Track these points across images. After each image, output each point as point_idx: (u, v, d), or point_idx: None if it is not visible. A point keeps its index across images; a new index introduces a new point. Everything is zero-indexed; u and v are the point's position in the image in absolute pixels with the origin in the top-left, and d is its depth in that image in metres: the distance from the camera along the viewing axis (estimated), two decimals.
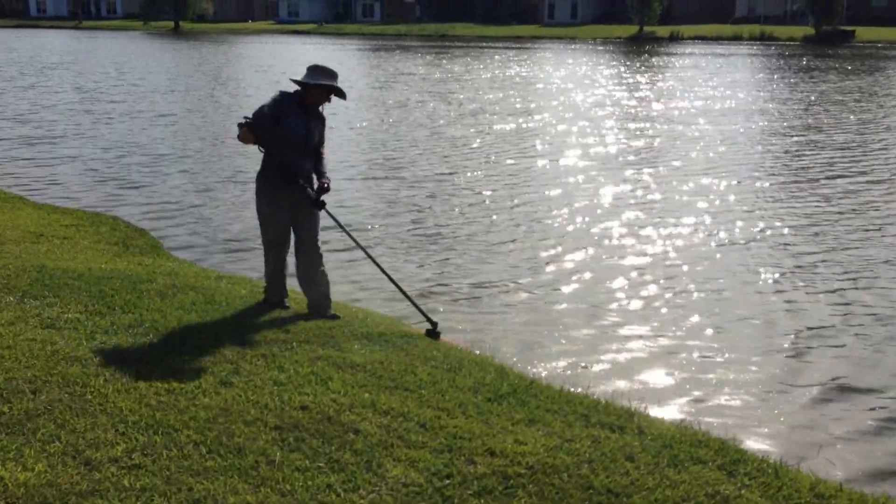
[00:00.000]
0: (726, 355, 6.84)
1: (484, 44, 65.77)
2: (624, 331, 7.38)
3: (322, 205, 5.87)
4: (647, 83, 32.31)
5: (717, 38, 69.19)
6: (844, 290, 8.44)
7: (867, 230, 10.75)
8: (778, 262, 9.38)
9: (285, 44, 63.37)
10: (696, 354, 6.87)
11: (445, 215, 11.37)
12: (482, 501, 3.51)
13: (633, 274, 8.97)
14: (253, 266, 8.79)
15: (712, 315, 7.76)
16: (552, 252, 9.71)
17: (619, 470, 3.89)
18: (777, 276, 8.88)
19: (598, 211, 11.75)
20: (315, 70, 5.80)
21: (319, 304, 6.09)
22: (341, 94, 5.84)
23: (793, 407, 5.99)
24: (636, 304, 8.05)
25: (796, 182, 13.91)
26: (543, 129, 19.86)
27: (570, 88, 30.05)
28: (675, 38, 69.93)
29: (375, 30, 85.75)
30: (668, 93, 28.38)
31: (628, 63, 44.73)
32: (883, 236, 10.48)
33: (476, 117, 21.68)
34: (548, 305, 7.99)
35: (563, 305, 8.00)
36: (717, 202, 12.27)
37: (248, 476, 3.50)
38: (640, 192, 13.03)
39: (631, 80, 33.45)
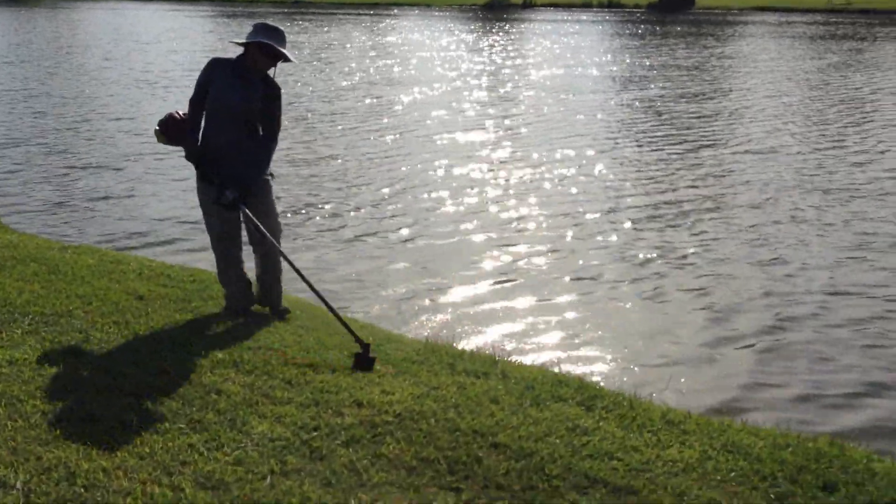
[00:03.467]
0: (582, 303, 7.11)
1: (344, 11, 64.74)
2: (490, 287, 7.53)
3: (232, 206, 4.74)
4: (525, 50, 32.74)
5: (569, 6, 70.97)
6: (700, 234, 8.90)
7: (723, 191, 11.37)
8: (639, 219, 9.78)
9: (132, 11, 60.28)
10: (555, 304, 7.10)
11: (341, 188, 11.22)
12: (350, 450, 3.50)
13: (500, 235, 9.15)
14: (101, 236, 8.39)
15: (569, 269, 8.03)
16: (432, 217, 9.77)
17: (484, 412, 3.97)
18: (637, 230, 9.26)
19: (488, 178, 11.89)
20: (255, 28, 4.81)
21: (269, 295, 5.33)
22: (284, 57, 4.81)
23: (645, 346, 6.29)
24: (501, 264, 8.21)
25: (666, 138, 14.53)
26: (439, 99, 19.79)
27: (456, 57, 30.09)
28: (528, 6, 71.18)
29: None
30: (552, 60, 28.81)
31: (496, 31, 45.17)
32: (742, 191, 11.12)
33: (374, 87, 21.36)
34: (416, 267, 8.03)
35: (430, 265, 8.05)
36: (594, 168, 12.65)
37: (102, 442, 3.33)
38: (518, 157, 13.27)
39: (510, 48, 33.76)
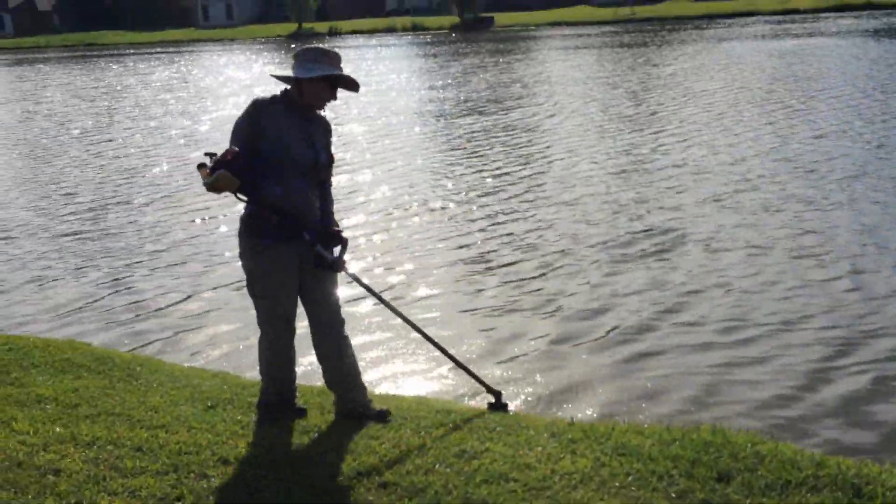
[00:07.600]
0: (430, 324, 6.93)
1: (138, 51, 61.99)
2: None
3: (340, 266, 3.97)
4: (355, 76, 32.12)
5: (373, 31, 71.57)
6: (497, 225, 8.99)
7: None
8: (454, 227, 9.78)
9: None
10: (397, 332, 6.85)
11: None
12: None
13: None
14: None
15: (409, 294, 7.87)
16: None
17: (363, 450, 3.69)
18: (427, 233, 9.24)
19: None
20: (309, 56, 3.84)
21: (354, 398, 4.16)
22: (353, 85, 3.91)
23: (491, 355, 6.10)
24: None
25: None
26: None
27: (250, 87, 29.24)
28: (334, 33, 71.13)
29: (8, 44, 77.14)
30: (393, 85, 28.42)
31: None
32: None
33: (198, 127, 20.28)
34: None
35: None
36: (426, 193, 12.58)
37: None
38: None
39: None
